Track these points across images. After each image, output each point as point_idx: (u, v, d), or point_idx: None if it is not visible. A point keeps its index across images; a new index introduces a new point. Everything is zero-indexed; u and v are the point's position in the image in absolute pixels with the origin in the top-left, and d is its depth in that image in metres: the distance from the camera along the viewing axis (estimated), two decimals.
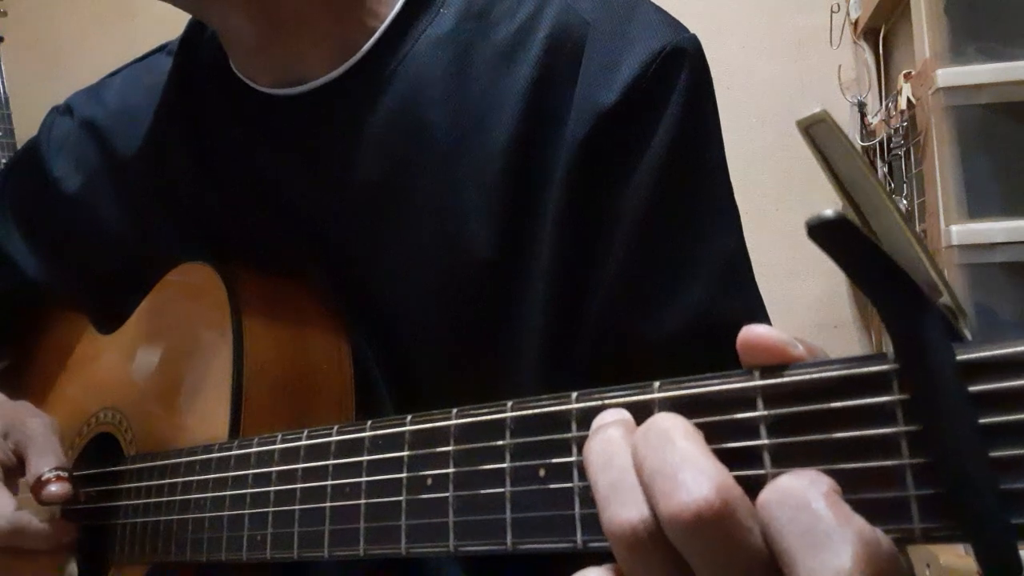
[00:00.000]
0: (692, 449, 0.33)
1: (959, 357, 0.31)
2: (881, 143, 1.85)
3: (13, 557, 0.67)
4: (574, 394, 0.40)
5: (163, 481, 0.64)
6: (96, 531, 0.70)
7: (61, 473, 0.66)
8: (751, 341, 0.35)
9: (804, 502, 0.31)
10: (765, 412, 0.34)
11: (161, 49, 0.83)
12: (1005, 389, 0.30)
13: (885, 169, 1.82)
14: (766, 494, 0.32)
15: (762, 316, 0.65)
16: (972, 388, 0.30)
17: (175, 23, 0.77)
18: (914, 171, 1.68)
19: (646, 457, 0.34)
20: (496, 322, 0.65)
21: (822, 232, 0.30)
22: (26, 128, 1.51)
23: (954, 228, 1.48)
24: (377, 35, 0.68)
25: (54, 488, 0.65)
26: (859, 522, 0.30)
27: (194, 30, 0.77)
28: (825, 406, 0.33)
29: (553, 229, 0.63)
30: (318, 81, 0.69)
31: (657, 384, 0.38)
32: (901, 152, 1.73)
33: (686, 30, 0.65)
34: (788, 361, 0.35)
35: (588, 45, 0.64)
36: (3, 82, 1.92)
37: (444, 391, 0.65)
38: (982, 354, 0.30)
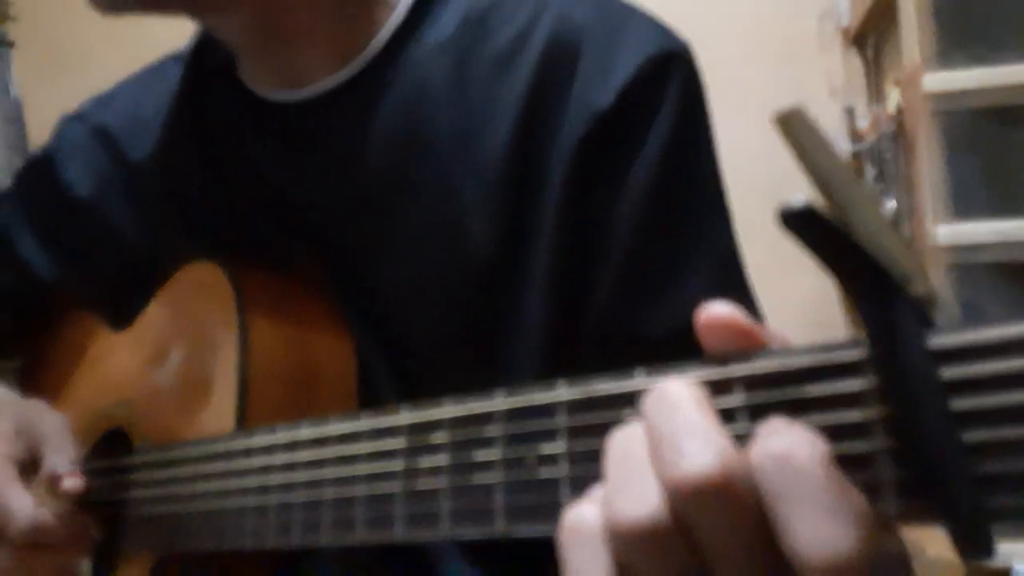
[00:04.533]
0: (700, 419, 0.33)
1: (931, 343, 0.31)
2: (870, 147, 1.86)
3: (34, 552, 0.68)
4: (563, 383, 0.41)
5: (170, 473, 0.65)
6: (106, 523, 0.71)
7: (75, 469, 0.68)
8: (711, 319, 0.36)
9: (804, 472, 0.31)
10: (743, 398, 0.35)
11: (171, 57, 0.84)
12: (976, 374, 0.30)
13: (874, 172, 1.83)
14: (762, 459, 0.32)
15: (756, 312, 0.67)
16: (944, 373, 0.31)
17: (186, 30, 0.78)
18: (902, 173, 1.69)
19: (655, 425, 0.34)
20: (497, 322, 0.66)
21: (792, 220, 0.31)
22: (37, 132, 1.50)
23: (941, 229, 1.49)
24: (379, 41, 0.69)
25: (68, 483, 0.67)
26: (857, 495, 0.31)
27: (204, 37, 0.78)
28: (800, 391, 0.34)
29: (552, 230, 0.64)
30: (320, 87, 0.70)
31: (642, 372, 0.39)
32: (889, 156, 1.74)
33: (677, 37, 0.67)
34: (742, 331, 0.36)
35: (583, 51, 0.65)
36: (14, 87, 1.92)
37: (445, 389, 0.66)
38: (953, 340, 0.31)
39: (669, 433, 0.33)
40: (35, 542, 0.67)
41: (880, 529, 0.31)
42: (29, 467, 0.70)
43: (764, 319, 0.64)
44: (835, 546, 0.30)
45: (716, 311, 0.36)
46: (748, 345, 0.36)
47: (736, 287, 0.67)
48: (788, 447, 0.31)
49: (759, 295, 0.68)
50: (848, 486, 0.31)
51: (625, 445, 0.35)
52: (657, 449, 0.33)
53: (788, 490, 0.31)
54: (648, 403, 0.35)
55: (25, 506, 0.67)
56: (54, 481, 0.67)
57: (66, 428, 0.71)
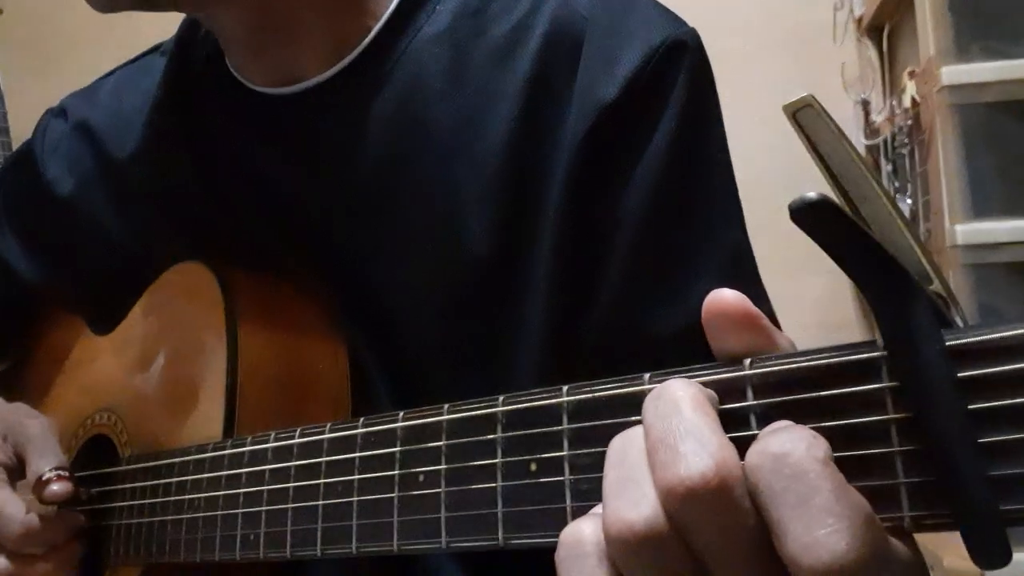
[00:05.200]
0: (698, 421, 0.32)
1: (948, 343, 0.30)
2: (885, 141, 1.84)
3: (29, 556, 0.67)
4: (565, 387, 0.40)
5: (157, 482, 0.64)
6: (92, 533, 0.70)
7: (62, 472, 0.67)
8: (716, 306, 0.35)
9: (800, 471, 0.30)
10: (755, 402, 0.34)
11: (155, 50, 0.83)
12: (994, 374, 0.30)
13: (889, 168, 1.81)
14: (757, 458, 0.31)
15: (767, 310, 0.65)
16: (961, 374, 0.30)
17: (172, 22, 0.77)
18: (918, 170, 1.68)
19: (652, 426, 0.33)
20: (497, 322, 0.65)
21: (806, 215, 0.30)
22: (22, 127, 1.50)
23: (958, 228, 1.47)
24: (373, 34, 0.68)
25: (55, 487, 0.66)
26: (856, 495, 0.30)
27: (188, 30, 0.77)
28: (814, 395, 0.33)
29: (554, 226, 0.63)
30: (314, 80, 0.69)
31: (647, 376, 0.38)
32: (905, 151, 1.72)
33: (685, 23, 0.65)
34: (749, 318, 0.35)
35: (587, 41, 0.64)
36: None
37: (444, 392, 0.65)
38: (971, 339, 0.30)
39: (665, 435, 0.33)
40: (28, 547, 0.66)
41: (884, 533, 0.30)
42: (14, 471, 0.70)
43: (775, 317, 0.63)
44: (831, 549, 0.29)
45: (722, 297, 0.35)
46: (755, 335, 0.35)
47: (747, 283, 0.65)
48: (784, 446, 0.31)
49: (771, 294, 0.67)
50: (848, 487, 0.30)
51: (623, 447, 0.35)
52: (653, 451, 0.33)
53: (784, 489, 0.30)
54: (647, 404, 0.34)
55: (19, 510, 0.66)
56: (40, 485, 0.65)
57: (51, 432, 0.70)
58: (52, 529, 0.66)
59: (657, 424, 0.33)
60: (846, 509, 0.29)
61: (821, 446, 0.30)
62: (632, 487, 0.33)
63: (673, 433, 0.32)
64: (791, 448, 0.30)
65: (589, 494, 0.38)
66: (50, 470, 0.66)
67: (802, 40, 2.05)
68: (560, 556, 0.34)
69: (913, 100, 1.63)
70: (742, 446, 0.33)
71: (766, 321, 0.35)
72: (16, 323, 0.91)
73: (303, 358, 0.67)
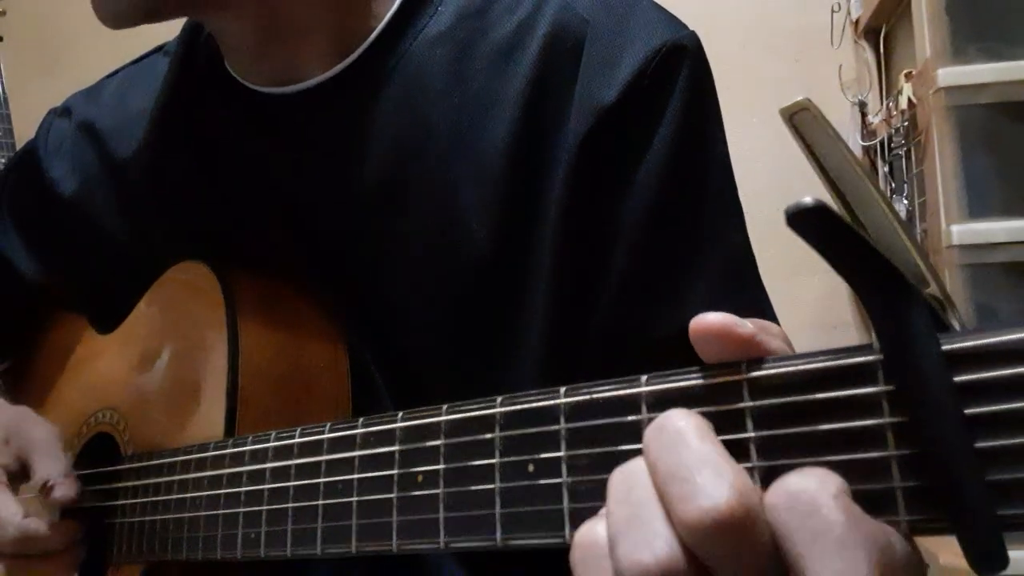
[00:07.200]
0: (707, 450, 0.32)
1: (944, 347, 0.30)
2: (882, 143, 1.85)
3: (25, 563, 0.67)
4: (562, 389, 0.40)
5: (159, 480, 0.64)
6: (94, 531, 0.70)
7: (68, 478, 0.67)
8: (702, 330, 0.35)
9: (814, 507, 0.30)
10: (751, 404, 0.34)
11: (158, 50, 0.83)
12: (991, 379, 0.29)
13: (886, 169, 1.82)
14: (774, 497, 0.30)
15: (769, 312, 0.65)
16: (958, 378, 0.30)
17: (175, 23, 0.77)
18: (915, 171, 1.68)
19: (659, 459, 0.32)
20: (496, 322, 0.65)
21: (801, 220, 0.30)
22: (25, 126, 1.51)
23: (955, 228, 1.47)
24: (375, 34, 0.68)
25: (61, 491, 0.66)
26: (871, 525, 0.30)
27: (191, 30, 0.77)
28: (811, 398, 0.33)
29: (555, 229, 0.63)
30: (315, 80, 0.69)
31: (644, 378, 0.38)
32: (902, 152, 1.72)
33: (685, 27, 0.65)
34: (738, 341, 0.35)
35: (587, 43, 0.64)
36: (2, 81, 1.92)
37: (443, 392, 0.65)
38: (967, 344, 0.30)
39: (677, 467, 0.31)
40: (25, 552, 0.66)
41: (901, 557, 0.30)
42: (16, 475, 0.69)
43: (776, 318, 0.63)
44: None
45: (708, 321, 0.35)
46: (746, 354, 0.35)
47: (747, 286, 0.65)
48: (799, 484, 0.30)
49: (769, 294, 0.67)
50: (863, 518, 0.30)
51: (628, 482, 0.33)
52: (666, 485, 0.31)
53: (800, 526, 0.30)
54: (649, 437, 0.33)
55: (14, 515, 0.66)
56: (47, 490, 0.66)
57: (55, 436, 0.70)
58: (50, 535, 0.67)
59: (664, 457, 0.32)
60: (861, 542, 0.29)
61: (834, 482, 0.30)
62: (642, 526, 0.32)
63: (685, 465, 0.31)
64: (805, 485, 0.30)
65: (586, 495, 0.38)
66: (56, 475, 0.67)
67: (799, 42, 2.05)
68: (576, 558, 0.34)
69: (910, 101, 1.64)
70: (737, 451, 0.33)
71: (760, 337, 0.35)
72: (19, 322, 0.91)
73: (304, 357, 0.67)
